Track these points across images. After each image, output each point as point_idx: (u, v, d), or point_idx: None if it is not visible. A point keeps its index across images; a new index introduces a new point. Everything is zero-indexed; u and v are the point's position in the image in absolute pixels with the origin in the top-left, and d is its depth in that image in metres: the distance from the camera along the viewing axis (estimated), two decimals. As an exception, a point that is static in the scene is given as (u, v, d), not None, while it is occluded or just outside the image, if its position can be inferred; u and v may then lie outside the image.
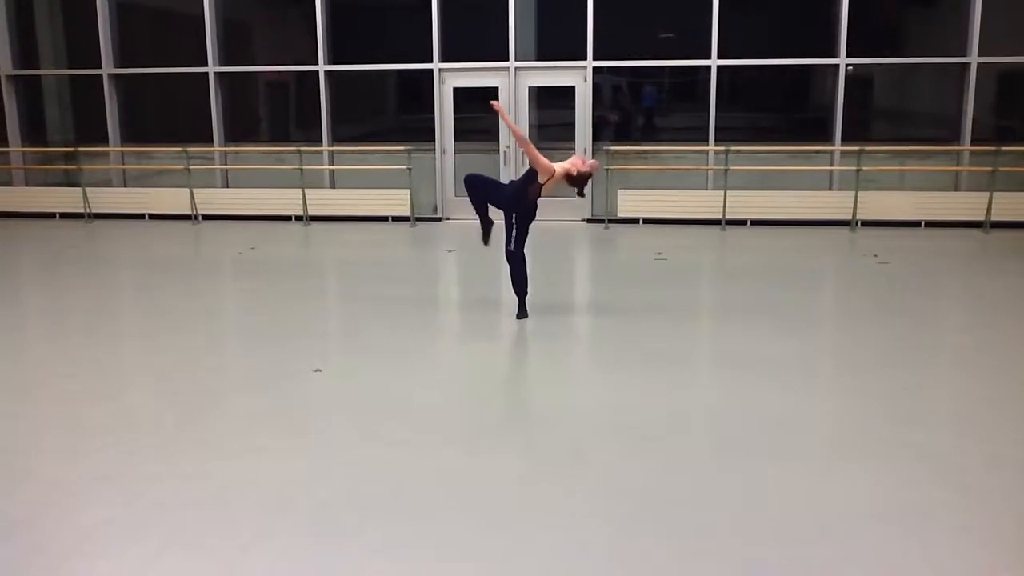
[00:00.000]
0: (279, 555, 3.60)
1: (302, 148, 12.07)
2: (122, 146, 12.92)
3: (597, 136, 11.95)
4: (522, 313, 7.18)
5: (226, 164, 12.71)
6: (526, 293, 7.23)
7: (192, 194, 12.18)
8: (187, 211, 12.26)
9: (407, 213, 11.95)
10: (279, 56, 12.83)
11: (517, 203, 7.03)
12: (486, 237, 7.52)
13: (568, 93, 11.95)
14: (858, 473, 4.31)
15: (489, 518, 3.90)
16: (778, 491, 4.13)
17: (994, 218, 10.90)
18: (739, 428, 4.91)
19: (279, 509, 3.98)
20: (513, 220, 7.03)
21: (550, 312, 7.40)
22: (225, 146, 12.66)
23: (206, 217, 12.32)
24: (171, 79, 12.76)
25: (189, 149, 12.24)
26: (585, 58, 11.71)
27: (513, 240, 7.04)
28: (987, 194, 10.89)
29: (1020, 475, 4.27)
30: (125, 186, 12.99)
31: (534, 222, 7.17)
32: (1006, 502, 4.00)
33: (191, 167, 12.19)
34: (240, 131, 12.96)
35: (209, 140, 12.54)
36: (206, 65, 12.39)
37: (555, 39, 12.09)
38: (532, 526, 3.83)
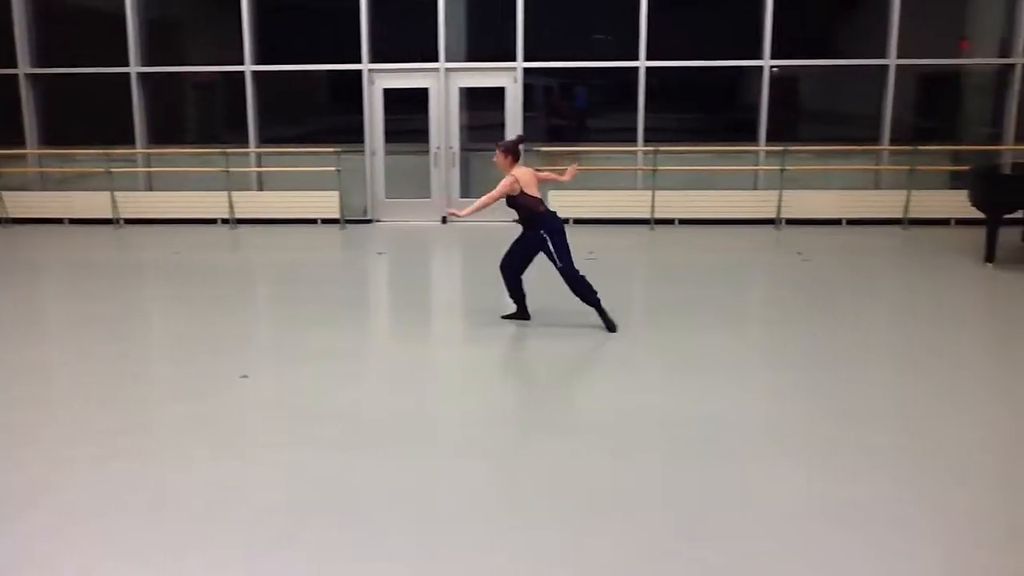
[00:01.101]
0: (213, 563, 3.54)
1: (228, 150, 11.86)
2: (40, 148, 12.54)
3: (528, 137, 11.94)
4: (609, 325, 6.76)
5: (149, 167, 12.42)
6: (597, 302, 6.81)
7: (114, 197, 11.88)
8: (109, 215, 11.95)
9: (337, 215, 11.83)
10: (208, 57, 12.57)
11: (535, 233, 6.70)
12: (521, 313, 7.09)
13: (499, 94, 11.95)
14: (796, 469, 4.38)
15: (423, 520, 3.87)
16: (715, 488, 4.18)
17: (912, 215, 11.23)
18: (674, 427, 4.96)
19: (211, 517, 3.91)
20: (549, 247, 6.67)
21: (484, 313, 7.39)
22: (148, 148, 12.38)
23: (129, 221, 12.03)
24: (92, 80, 12.42)
25: (111, 151, 11.94)
26: (515, 59, 11.73)
27: (557, 259, 6.69)
28: (905, 192, 11.21)
29: (953, 468, 4.37)
30: (44, 190, 12.60)
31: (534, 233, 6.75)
32: (942, 495, 4.08)
33: (113, 170, 11.90)
34: (165, 133, 12.66)
35: (131, 142, 12.24)
36: (128, 65, 12.10)
37: (485, 40, 12.09)
38: (465, 526, 3.82)
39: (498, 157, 6.73)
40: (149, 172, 12.42)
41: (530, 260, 6.86)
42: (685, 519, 3.88)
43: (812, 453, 4.59)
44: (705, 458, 4.52)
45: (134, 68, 12.12)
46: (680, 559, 3.55)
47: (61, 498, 4.11)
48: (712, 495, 4.10)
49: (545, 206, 6.75)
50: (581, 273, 6.75)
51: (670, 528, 3.81)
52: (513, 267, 6.84)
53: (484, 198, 6.64)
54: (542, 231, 6.63)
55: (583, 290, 6.74)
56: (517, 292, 6.95)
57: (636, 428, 4.97)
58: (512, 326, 6.97)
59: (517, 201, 6.63)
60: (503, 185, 6.57)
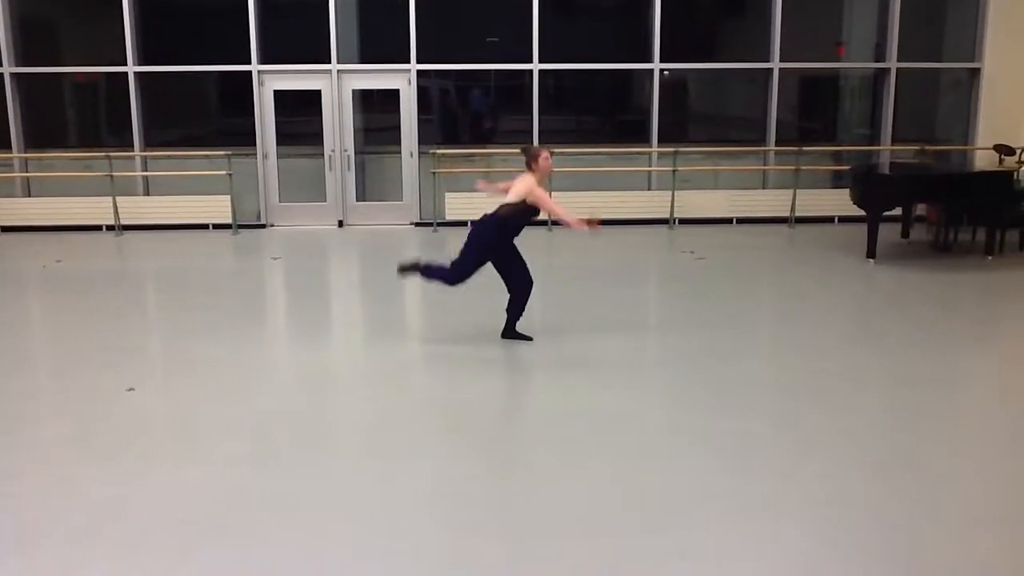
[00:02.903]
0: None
1: (111, 154, 11.42)
2: (-94, 153, 11.83)
3: (423, 139, 11.92)
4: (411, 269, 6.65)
5: (27, 171, 11.86)
6: (420, 269, 6.63)
7: (-11, 204, 11.31)
8: (-16, 223, 11.37)
9: (229, 220, 11.53)
10: (89, 57, 12.05)
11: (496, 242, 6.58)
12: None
13: (393, 96, 11.85)
14: (683, 463, 4.48)
15: (313, 535, 3.80)
16: (608, 485, 4.23)
17: (798, 214, 11.63)
18: (568, 425, 5.00)
19: (91, 539, 3.74)
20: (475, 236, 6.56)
21: (379, 319, 7.31)
22: (25, 152, 11.81)
23: (5, 229, 11.45)
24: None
25: (-16, 156, 11.36)
26: (409, 61, 11.66)
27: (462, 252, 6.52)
28: (791, 191, 11.60)
29: (827, 458, 4.55)
30: (-89, 197, 11.89)
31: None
32: (816, 484, 4.24)
33: (-13, 175, 11.32)
34: (44, 136, 12.10)
35: (7, 146, 11.67)
36: (0, 65, 11.52)
37: (379, 42, 11.98)
38: (358, 539, 3.76)
39: (548, 161, 6.59)
40: (27, 177, 11.85)
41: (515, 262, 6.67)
42: (569, 514, 3.93)
43: (694, 445, 4.71)
44: (591, 455, 4.59)
45: (8, 68, 11.54)
46: (569, 556, 3.58)
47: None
48: (597, 490, 4.16)
49: (501, 214, 6.51)
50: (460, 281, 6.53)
51: (559, 526, 3.84)
52: (525, 279, 6.67)
53: (560, 210, 6.59)
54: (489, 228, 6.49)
55: (439, 275, 6.55)
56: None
57: (522, 428, 5.00)
58: (410, 323, 6.92)
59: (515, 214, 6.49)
60: (541, 198, 6.43)
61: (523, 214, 6.39)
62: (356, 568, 3.53)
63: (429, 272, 6.56)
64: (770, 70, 11.87)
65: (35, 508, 4.04)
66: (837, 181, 11.94)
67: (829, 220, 11.67)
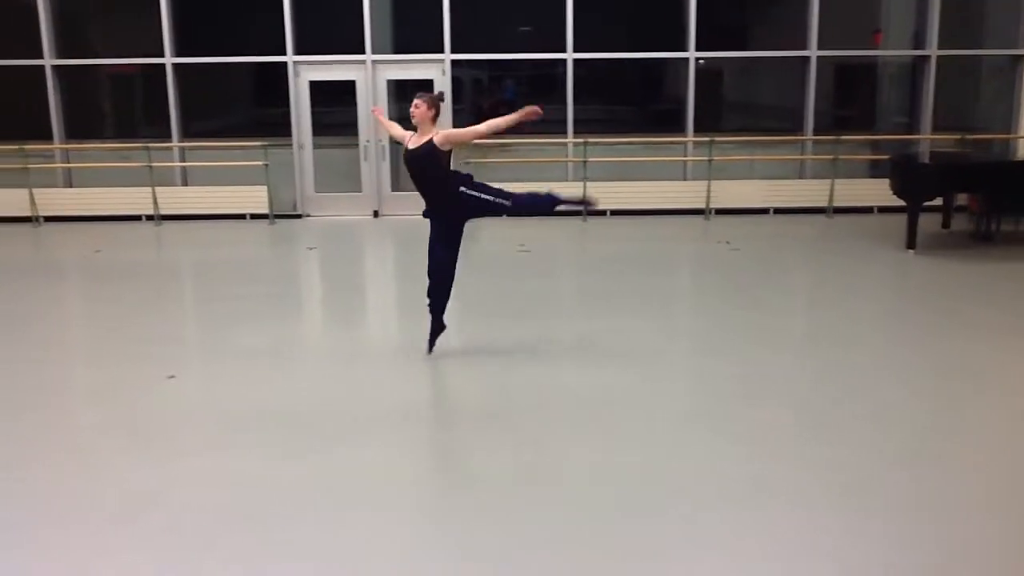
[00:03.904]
0: (124, 572, 3.43)
1: (150, 144, 11.55)
2: (-50, 144, 12.05)
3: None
4: (580, 203, 6.26)
5: (68, 162, 12.03)
6: (553, 202, 5.93)
7: (32, 195, 11.48)
8: (27, 213, 11.54)
9: (265, 211, 11.62)
10: (127, 48, 12.18)
11: (452, 196, 5.69)
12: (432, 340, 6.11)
13: (427, 86, 11.87)
14: (705, 450, 4.47)
15: (344, 522, 3.83)
16: (627, 468, 4.24)
17: (836, 204, 11.50)
18: (597, 410, 5.01)
19: (126, 524, 3.80)
20: (472, 193, 5.67)
21: (415, 307, 7.34)
22: (66, 143, 11.99)
23: (48, 219, 11.64)
24: (4, 73, 11.95)
25: (26, 147, 11.53)
26: (443, 51, 11.66)
27: (485, 194, 5.69)
28: (829, 181, 11.48)
29: (851, 448, 4.51)
30: (-45, 187, 12.11)
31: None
32: (840, 474, 4.21)
33: (29, 166, 11.49)
34: (83, 127, 12.27)
35: (49, 137, 11.84)
36: (42, 58, 11.69)
37: (413, 32, 12.00)
38: (388, 524, 3.79)
39: (419, 110, 5.58)
40: (68, 168, 12.03)
41: (459, 243, 5.90)
42: (591, 500, 3.95)
43: (717, 432, 4.70)
44: (615, 438, 4.61)
45: (49, 60, 11.71)
46: (583, 538, 3.59)
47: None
48: (618, 476, 4.17)
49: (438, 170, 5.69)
50: (520, 194, 5.85)
51: (574, 507, 3.87)
52: (451, 264, 5.89)
53: (494, 122, 5.60)
54: (458, 188, 5.65)
55: (537, 203, 5.95)
56: (446, 296, 6.00)
57: (543, 409, 5.05)
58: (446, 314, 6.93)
59: (443, 162, 5.62)
60: (468, 131, 5.70)
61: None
62: (389, 556, 3.55)
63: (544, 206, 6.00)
64: (807, 58, 11.74)
65: (74, 493, 4.11)
66: (876, 170, 11.78)
67: (868, 210, 11.54)
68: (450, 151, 5.64)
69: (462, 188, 5.65)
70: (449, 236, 5.84)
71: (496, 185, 5.78)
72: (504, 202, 5.70)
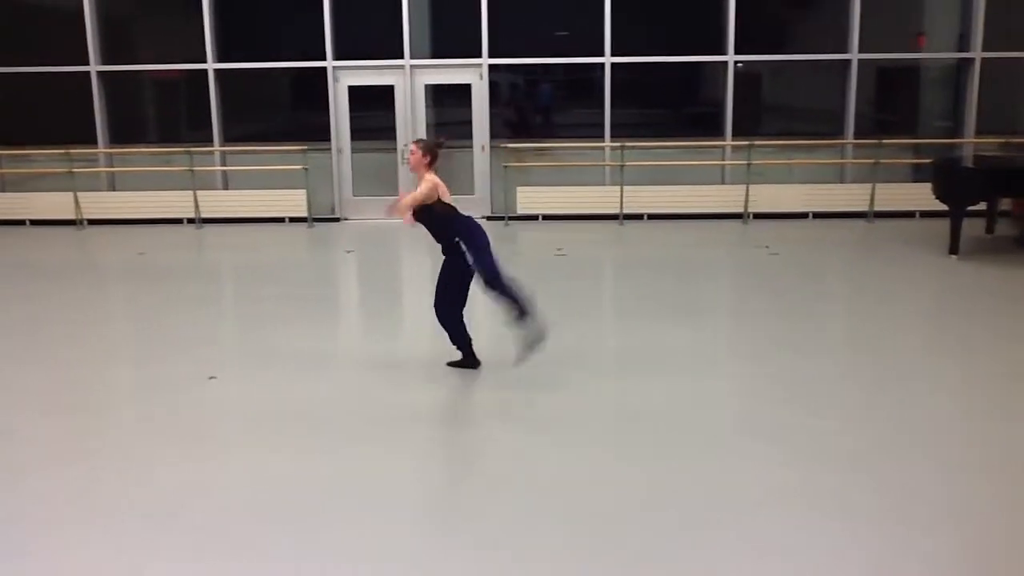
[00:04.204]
0: (173, 571, 3.48)
1: (192, 149, 11.72)
2: (-1, 149, 12.31)
3: (495, 133, 11.97)
4: (531, 338, 5.68)
5: (112, 166, 12.24)
6: (522, 314, 5.64)
7: (76, 198, 11.69)
8: (71, 216, 11.76)
9: (304, 214, 11.73)
10: (168, 54, 12.37)
11: (451, 245, 5.65)
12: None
13: (464, 91, 11.92)
14: (753, 457, 4.42)
15: (386, 521, 3.85)
16: (674, 478, 4.21)
17: (877, 208, 11.36)
18: (639, 417, 4.98)
19: (172, 521, 3.85)
20: (462, 248, 5.60)
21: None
22: (110, 148, 12.19)
23: (92, 222, 11.84)
24: (50, 78, 12.19)
25: (72, 151, 11.75)
26: (480, 55, 11.71)
27: (470, 257, 5.58)
28: (870, 185, 11.34)
29: (901, 456, 4.45)
30: (3, 191, 12.36)
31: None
32: (894, 482, 4.15)
33: (75, 170, 11.71)
34: (126, 132, 12.48)
35: (93, 142, 12.06)
36: (87, 64, 11.91)
37: (450, 36, 12.05)
38: (427, 526, 3.80)
39: (414, 156, 5.56)
40: (112, 172, 12.23)
41: (467, 288, 5.72)
42: (642, 509, 3.91)
43: (765, 440, 4.65)
44: (660, 446, 4.58)
45: (94, 67, 11.93)
46: (635, 547, 3.56)
47: (15, 504, 4.04)
48: (669, 484, 4.13)
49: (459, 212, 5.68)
50: (508, 281, 5.61)
51: (623, 516, 3.83)
52: (447, 302, 5.71)
53: (408, 198, 5.48)
54: (455, 238, 5.56)
55: (510, 296, 5.59)
56: (460, 335, 5.81)
57: (588, 418, 5.01)
58: (479, 317, 6.94)
59: (434, 209, 5.52)
60: (425, 189, 5.45)
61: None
62: (423, 557, 3.56)
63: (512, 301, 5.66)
64: (848, 61, 11.62)
65: (116, 490, 4.17)
66: (918, 174, 11.62)
67: (910, 215, 11.38)
68: (437, 200, 5.51)
69: (458, 239, 5.57)
70: (444, 277, 5.73)
71: (496, 262, 5.59)
72: (483, 268, 5.53)
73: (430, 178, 5.52)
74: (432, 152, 5.61)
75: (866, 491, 4.05)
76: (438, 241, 5.69)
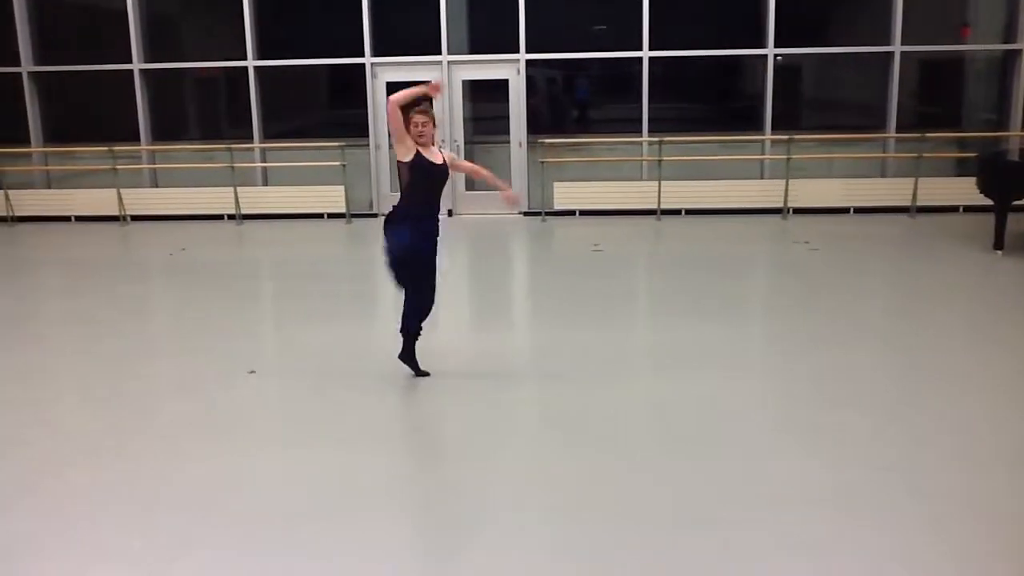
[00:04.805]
0: (208, 564, 3.53)
1: (232, 145, 11.86)
2: (45, 146, 12.54)
3: (532, 128, 11.96)
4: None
5: (154, 163, 12.42)
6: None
7: (120, 194, 11.88)
8: (115, 212, 11.95)
9: (342, 210, 11.82)
10: (208, 52, 12.53)
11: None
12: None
13: (502, 86, 11.92)
14: (793, 456, 4.39)
15: (425, 522, 3.88)
16: (716, 477, 4.18)
17: (920, 203, 11.18)
18: (677, 415, 4.96)
19: (208, 515, 3.91)
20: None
21: (489, 305, 7.38)
22: (153, 145, 12.37)
23: (135, 218, 12.03)
24: (95, 77, 12.41)
25: (115, 148, 11.94)
26: (518, 51, 11.70)
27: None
28: (912, 180, 11.17)
29: (942, 455, 4.39)
30: (49, 188, 12.61)
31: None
32: (929, 481, 4.10)
33: (118, 167, 11.89)
34: (168, 129, 12.66)
35: (136, 139, 12.24)
36: (131, 62, 12.09)
37: (488, 32, 12.06)
38: (474, 527, 3.82)
39: (433, 127, 5.33)
40: (154, 169, 12.42)
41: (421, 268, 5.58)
42: (679, 507, 3.90)
43: (805, 438, 4.61)
44: (697, 445, 4.56)
45: (137, 65, 12.10)
46: (670, 546, 3.56)
47: (51, 499, 4.11)
48: (706, 483, 4.11)
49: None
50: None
51: (659, 515, 3.82)
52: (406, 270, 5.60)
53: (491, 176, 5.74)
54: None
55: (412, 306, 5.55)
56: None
57: (626, 417, 4.99)
58: (519, 312, 6.96)
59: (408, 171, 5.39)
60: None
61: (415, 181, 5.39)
62: (463, 555, 3.58)
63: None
64: (890, 53, 11.44)
65: (157, 483, 4.25)
66: (962, 169, 11.42)
67: (953, 209, 11.18)
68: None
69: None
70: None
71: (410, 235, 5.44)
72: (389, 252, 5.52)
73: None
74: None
75: (903, 490, 4.01)
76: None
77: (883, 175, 11.71)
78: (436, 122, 5.34)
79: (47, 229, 11.74)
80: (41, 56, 12.40)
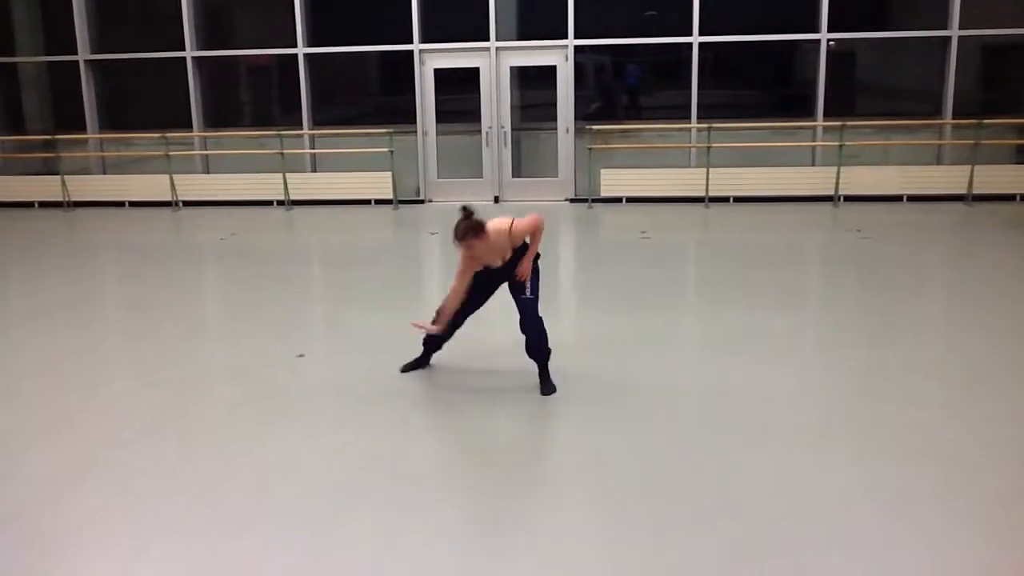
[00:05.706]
0: (267, 543, 3.58)
1: (282, 132, 11.98)
2: (100, 133, 12.79)
3: (579, 115, 11.91)
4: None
5: (206, 149, 12.60)
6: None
7: (172, 180, 12.08)
8: (167, 197, 12.16)
9: (390, 196, 11.89)
10: (259, 39, 12.66)
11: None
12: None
13: (550, 72, 11.88)
14: (843, 450, 4.32)
15: (475, 503, 3.89)
16: (764, 469, 4.14)
17: (976, 191, 10.93)
18: (726, 406, 4.92)
19: (264, 497, 3.96)
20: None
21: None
22: (205, 131, 12.55)
23: (187, 203, 12.23)
24: (149, 64, 12.62)
25: (168, 135, 12.13)
26: (566, 37, 11.64)
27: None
28: (969, 167, 10.91)
29: (1002, 450, 4.29)
30: (104, 173, 12.87)
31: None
32: (989, 478, 4.01)
33: (171, 153, 12.09)
34: (220, 116, 12.84)
35: (189, 126, 12.43)
36: (184, 50, 12.26)
37: (536, 18, 12.02)
38: (519, 510, 3.83)
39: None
40: (206, 155, 12.60)
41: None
42: (724, 498, 3.85)
43: (856, 431, 4.52)
44: (750, 436, 4.49)
45: (190, 52, 12.28)
46: (723, 539, 3.52)
47: (113, 477, 4.19)
48: (753, 475, 4.06)
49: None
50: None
51: (712, 507, 3.78)
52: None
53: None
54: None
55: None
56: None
57: (676, 407, 4.94)
58: (567, 299, 6.93)
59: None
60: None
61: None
62: (517, 536, 3.59)
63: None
64: (948, 38, 11.18)
65: (211, 466, 4.31)
66: (1020, 156, 11.14)
67: (1011, 198, 10.93)
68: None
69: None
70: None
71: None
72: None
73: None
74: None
75: (957, 487, 3.92)
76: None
77: (938, 162, 11.47)
78: (477, 234, 5.05)
79: (102, 214, 11.98)
80: (97, 44, 12.63)
